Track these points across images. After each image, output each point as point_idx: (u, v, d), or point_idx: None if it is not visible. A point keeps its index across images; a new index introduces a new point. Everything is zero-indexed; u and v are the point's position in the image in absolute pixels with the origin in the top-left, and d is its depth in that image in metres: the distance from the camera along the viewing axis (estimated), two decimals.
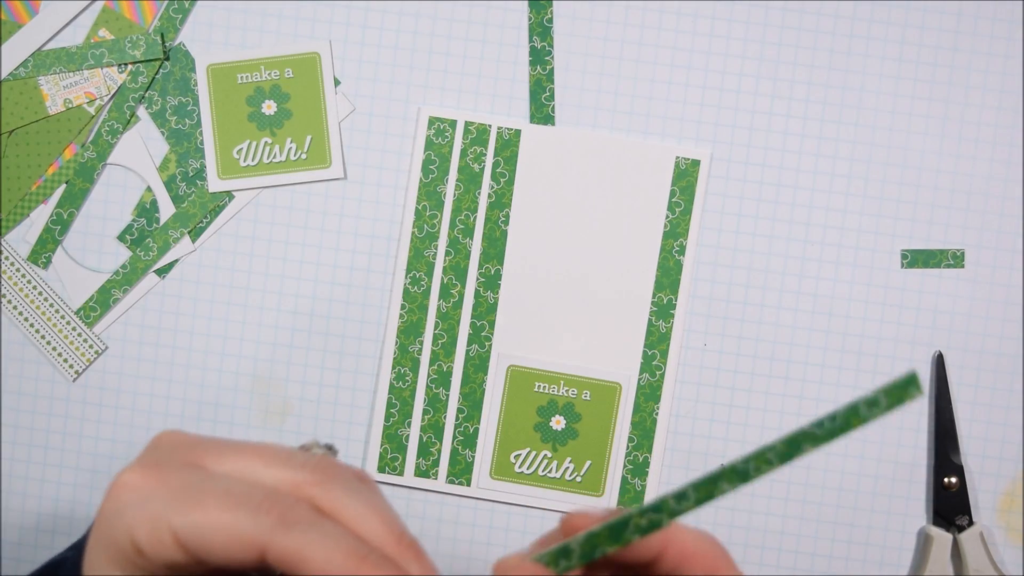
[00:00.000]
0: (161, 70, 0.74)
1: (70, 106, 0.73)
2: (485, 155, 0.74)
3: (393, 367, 0.74)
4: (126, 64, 0.73)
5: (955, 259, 0.74)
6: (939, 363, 0.74)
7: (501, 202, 0.74)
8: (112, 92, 0.73)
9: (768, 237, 0.74)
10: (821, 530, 0.74)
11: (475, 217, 0.74)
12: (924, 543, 0.73)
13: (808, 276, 0.74)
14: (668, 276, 0.73)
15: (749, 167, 0.74)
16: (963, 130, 0.73)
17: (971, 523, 0.73)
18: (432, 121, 0.74)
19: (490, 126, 0.74)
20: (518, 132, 0.74)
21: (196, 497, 0.42)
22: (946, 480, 0.73)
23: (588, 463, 0.74)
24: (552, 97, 0.74)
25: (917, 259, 0.74)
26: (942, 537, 0.73)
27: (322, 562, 0.38)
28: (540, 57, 0.74)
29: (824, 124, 0.73)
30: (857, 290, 0.74)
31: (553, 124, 0.74)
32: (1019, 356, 0.74)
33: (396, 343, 0.74)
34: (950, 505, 0.74)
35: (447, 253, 0.74)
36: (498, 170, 0.73)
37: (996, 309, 0.74)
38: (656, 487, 0.74)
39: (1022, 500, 0.74)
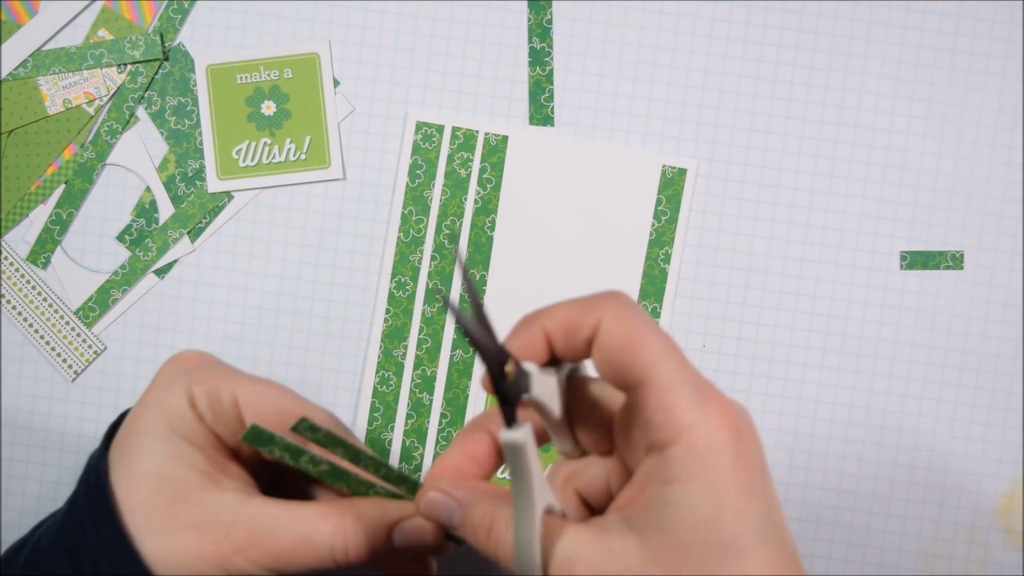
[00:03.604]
0: (160, 70, 0.74)
1: (69, 106, 0.73)
2: (472, 161, 0.73)
3: (377, 371, 0.74)
4: (125, 64, 0.73)
5: (954, 261, 0.73)
6: None
7: (487, 208, 0.73)
8: (111, 92, 0.73)
9: (767, 239, 0.74)
10: (820, 531, 0.74)
11: (461, 223, 0.74)
12: None
13: (807, 278, 0.74)
14: (653, 284, 0.73)
15: (748, 168, 0.73)
16: (962, 132, 0.73)
17: None
18: (420, 126, 0.73)
19: (477, 132, 0.74)
20: (505, 138, 0.73)
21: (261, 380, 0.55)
22: None
23: None
24: (552, 98, 0.74)
25: (916, 261, 0.74)
26: None
27: None
28: (539, 58, 0.74)
29: (823, 126, 0.73)
30: (856, 292, 0.74)
31: (552, 125, 0.74)
32: (1018, 357, 0.74)
33: (380, 347, 0.74)
34: None
35: (432, 258, 0.74)
36: (484, 176, 0.73)
37: (995, 311, 0.74)
38: None
39: (1022, 502, 0.74)
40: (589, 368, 0.50)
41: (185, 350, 0.56)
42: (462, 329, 0.45)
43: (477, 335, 0.45)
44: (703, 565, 0.42)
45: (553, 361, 0.49)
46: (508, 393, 0.46)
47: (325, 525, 0.50)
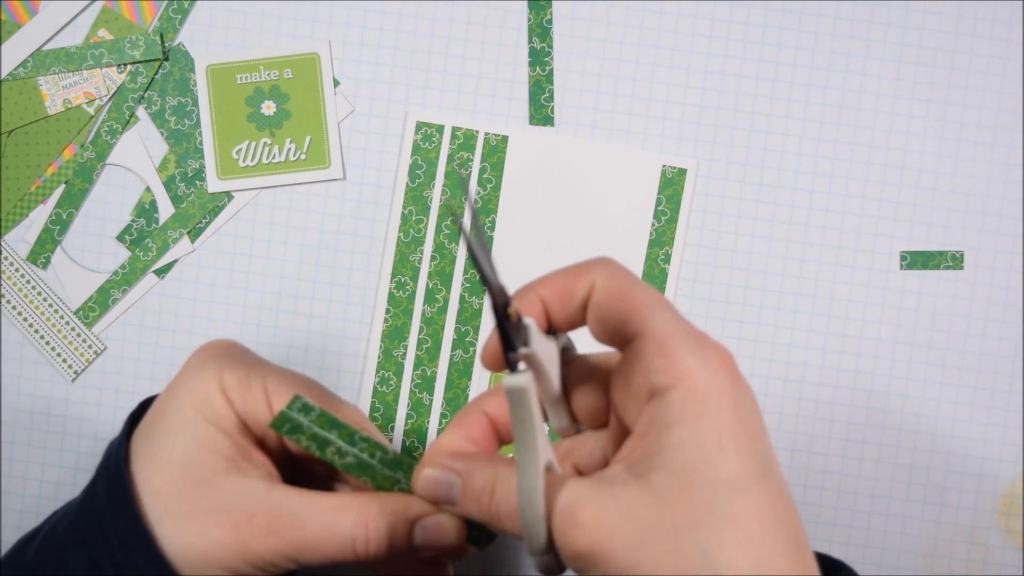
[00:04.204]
0: (160, 70, 0.74)
1: (69, 106, 0.73)
2: (472, 161, 0.73)
3: (377, 371, 0.74)
4: (125, 64, 0.73)
5: (954, 261, 0.73)
6: None
7: (487, 208, 0.73)
8: (111, 92, 0.73)
9: (767, 238, 0.74)
10: (820, 531, 0.74)
11: (461, 223, 0.73)
12: None
13: (807, 278, 0.74)
14: (653, 284, 0.73)
15: (748, 168, 0.73)
16: (962, 132, 0.73)
17: None
18: (420, 126, 0.74)
19: (477, 132, 0.74)
20: (505, 138, 0.74)
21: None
22: None
23: None
24: (552, 98, 0.74)
25: (916, 261, 0.73)
26: None
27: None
28: (539, 58, 0.74)
29: (823, 126, 0.73)
30: (856, 292, 0.74)
31: (552, 125, 0.74)
32: (1018, 358, 0.74)
33: (380, 347, 0.74)
34: None
35: (432, 258, 0.74)
36: (484, 176, 0.73)
37: (995, 311, 0.73)
38: None
39: (1022, 502, 0.74)
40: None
41: (217, 338, 0.56)
42: (471, 253, 0.46)
43: (485, 264, 0.45)
44: (706, 504, 0.42)
45: (549, 332, 0.49)
46: (510, 335, 0.46)
47: (348, 515, 0.50)
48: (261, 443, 0.54)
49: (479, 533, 0.52)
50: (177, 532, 0.49)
